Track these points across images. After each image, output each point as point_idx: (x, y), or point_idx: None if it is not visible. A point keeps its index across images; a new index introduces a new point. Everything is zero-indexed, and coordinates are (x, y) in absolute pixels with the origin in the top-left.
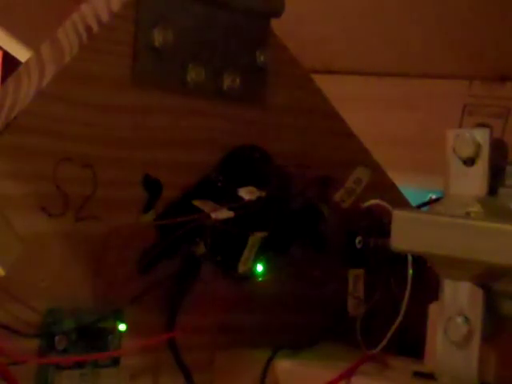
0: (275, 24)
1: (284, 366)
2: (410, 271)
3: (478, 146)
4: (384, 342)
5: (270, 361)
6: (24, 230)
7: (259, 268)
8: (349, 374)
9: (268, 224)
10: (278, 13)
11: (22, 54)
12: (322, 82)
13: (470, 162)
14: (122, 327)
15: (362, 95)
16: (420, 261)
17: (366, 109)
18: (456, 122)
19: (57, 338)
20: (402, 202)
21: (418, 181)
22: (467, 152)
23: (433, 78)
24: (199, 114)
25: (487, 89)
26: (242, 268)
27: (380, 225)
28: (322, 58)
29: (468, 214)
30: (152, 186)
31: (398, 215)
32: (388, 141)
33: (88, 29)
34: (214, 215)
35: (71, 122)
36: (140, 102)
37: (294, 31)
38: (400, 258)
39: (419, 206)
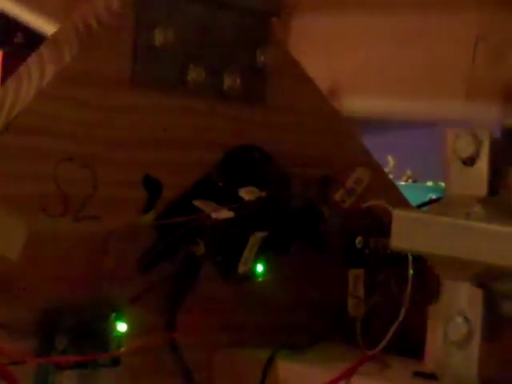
0: None
1: (284, 366)
2: (410, 271)
3: (478, 146)
4: (384, 342)
5: (270, 361)
6: None
7: (259, 268)
8: (349, 374)
9: (268, 224)
10: (278, 13)
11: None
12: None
13: (470, 162)
14: (122, 327)
15: (373, 28)
16: (420, 261)
17: (379, 41)
18: (470, 52)
19: (57, 337)
20: (401, 202)
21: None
22: (467, 152)
23: (446, 8)
24: (199, 114)
25: (499, 17)
26: (242, 268)
27: (380, 225)
28: None
29: (468, 215)
30: (152, 186)
31: (398, 215)
32: (403, 71)
33: (88, 29)
34: (214, 215)
35: (71, 122)
36: (140, 102)
37: None
38: (400, 259)
39: (419, 206)
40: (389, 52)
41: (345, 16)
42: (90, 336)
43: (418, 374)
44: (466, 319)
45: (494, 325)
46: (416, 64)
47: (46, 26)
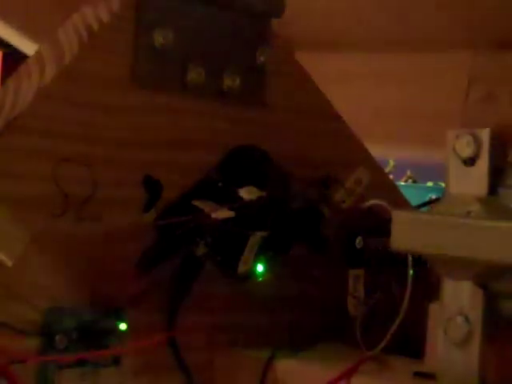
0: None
1: (284, 366)
2: (410, 271)
3: (478, 146)
4: (384, 342)
5: (270, 361)
6: None
7: (259, 268)
8: (349, 373)
9: (268, 224)
10: (278, 13)
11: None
12: (329, 58)
13: (470, 161)
14: (123, 327)
15: (366, 70)
16: (420, 261)
17: (372, 83)
18: (462, 94)
19: (57, 337)
20: (401, 202)
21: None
22: (467, 152)
23: (437, 49)
24: (199, 114)
25: (492, 58)
26: (242, 268)
27: (380, 225)
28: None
29: (468, 214)
30: (152, 186)
31: (398, 215)
32: (395, 114)
33: (88, 29)
34: (214, 215)
35: (71, 122)
36: (140, 102)
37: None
38: (400, 259)
39: (419, 206)
40: (380, 94)
41: (340, 57)
42: (90, 336)
43: (417, 374)
44: (467, 319)
45: (494, 325)
46: (408, 107)
47: (27, 45)
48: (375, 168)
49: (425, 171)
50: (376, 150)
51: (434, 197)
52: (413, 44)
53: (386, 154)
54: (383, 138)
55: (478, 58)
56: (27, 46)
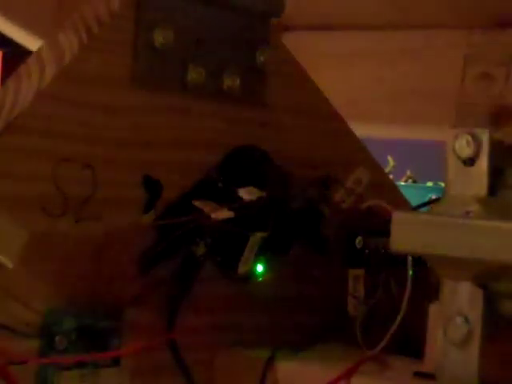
0: None
1: (284, 366)
2: (410, 272)
3: (478, 146)
4: (384, 342)
5: (270, 361)
6: None
7: (259, 268)
8: (349, 374)
9: (268, 224)
10: (278, 13)
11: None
12: (321, 38)
13: (469, 162)
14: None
15: (361, 50)
16: (420, 261)
17: (367, 63)
18: (458, 73)
19: (57, 338)
20: (401, 202)
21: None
22: (467, 152)
23: (432, 29)
24: (199, 114)
25: (487, 37)
26: (242, 268)
27: (380, 225)
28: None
29: (468, 214)
30: (152, 186)
31: (398, 216)
32: (390, 93)
33: (88, 29)
34: (214, 215)
35: (71, 122)
36: (140, 102)
37: None
38: (400, 259)
39: (419, 206)
40: (375, 73)
41: (333, 36)
42: (90, 336)
43: (417, 374)
44: (466, 319)
45: (493, 325)
46: (403, 86)
47: (30, 41)
48: (375, 168)
49: (425, 171)
50: (369, 130)
51: (434, 197)
52: (404, 24)
53: (378, 134)
54: (376, 118)
55: (474, 38)
56: (31, 43)
